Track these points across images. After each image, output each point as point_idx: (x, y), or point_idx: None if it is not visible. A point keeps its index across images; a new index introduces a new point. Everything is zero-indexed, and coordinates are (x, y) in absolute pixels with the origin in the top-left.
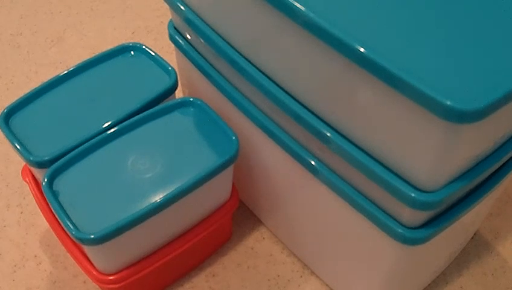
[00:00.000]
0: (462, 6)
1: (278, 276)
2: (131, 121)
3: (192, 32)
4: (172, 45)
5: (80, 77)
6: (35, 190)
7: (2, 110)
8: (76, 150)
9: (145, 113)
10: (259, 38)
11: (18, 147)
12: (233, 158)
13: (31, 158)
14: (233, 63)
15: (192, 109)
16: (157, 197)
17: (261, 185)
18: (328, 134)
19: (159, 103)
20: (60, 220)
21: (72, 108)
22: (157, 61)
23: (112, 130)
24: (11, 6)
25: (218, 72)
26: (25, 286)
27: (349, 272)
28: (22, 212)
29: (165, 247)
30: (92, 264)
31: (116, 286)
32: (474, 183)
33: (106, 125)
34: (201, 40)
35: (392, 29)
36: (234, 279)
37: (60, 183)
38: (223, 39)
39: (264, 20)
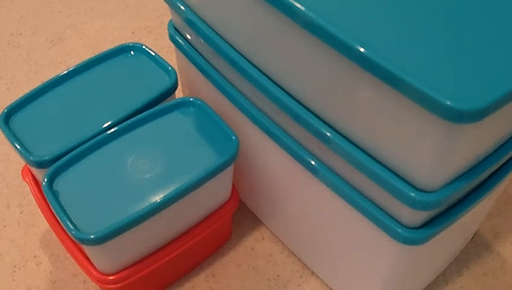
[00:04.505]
0: (462, 7)
1: (278, 276)
2: (131, 121)
3: (192, 32)
4: (172, 45)
5: (79, 77)
6: (35, 190)
7: (2, 110)
8: (76, 150)
9: (145, 113)
10: (259, 38)
11: (18, 147)
12: (233, 158)
13: (31, 158)
14: (233, 63)
15: (192, 109)
16: (157, 197)
17: (261, 185)
18: (328, 134)
19: (159, 103)
20: (60, 220)
21: (72, 108)
22: (157, 61)
23: (112, 130)
24: (11, 6)
25: (218, 72)
26: (25, 286)
27: (349, 272)
28: (22, 212)
29: (165, 247)
30: (92, 264)
31: (116, 286)
32: (474, 183)
33: (106, 125)
34: (201, 40)
35: (392, 29)
36: (234, 279)
37: (60, 183)
38: (223, 39)
39: (264, 20)
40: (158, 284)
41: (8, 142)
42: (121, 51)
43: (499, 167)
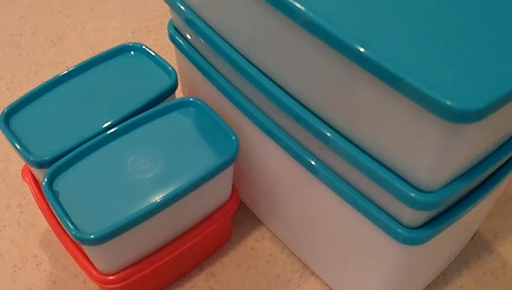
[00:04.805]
0: (462, 7)
1: (278, 276)
2: (131, 121)
3: (192, 32)
4: (172, 45)
5: (80, 77)
6: (35, 190)
7: (2, 110)
8: (76, 150)
9: (145, 113)
10: (259, 38)
11: (18, 147)
12: (233, 158)
13: (31, 158)
14: (233, 63)
15: (192, 109)
16: (157, 197)
17: (261, 185)
18: (328, 134)
19: (159, 103)
20: (60, 220)
21: (72, 108)
22: (157, 61)
23: (112, 130)
24: (11, 6)
25: (218, 72)
26: (25, 286)
27: (349, 272)
28: (22, 212)
29: (165, 247)
30: (92, 264)
31: (116, 286)
32: (474, 183)
33: (106, 125)
34: (201, 40)
35: (392, 29)
36: (234, 279)
37: (60, 183)
38: (223, 39)
39: (264, 20)
40: (158, 284)
41: (8, 142)
42: (121, 51)
43: (499, 167)
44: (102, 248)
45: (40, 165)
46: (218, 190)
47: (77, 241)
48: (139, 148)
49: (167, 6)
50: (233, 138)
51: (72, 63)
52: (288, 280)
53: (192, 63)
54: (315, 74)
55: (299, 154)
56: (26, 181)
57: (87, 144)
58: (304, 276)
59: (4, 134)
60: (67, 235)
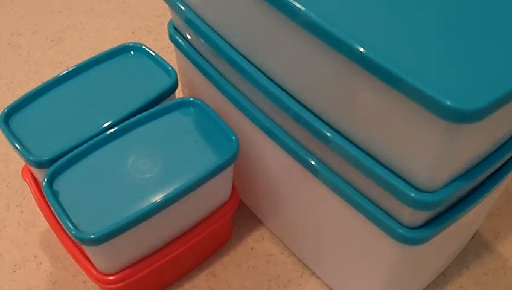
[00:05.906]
0: (462, 6)
1: (278, 276)
2: (131, 121)
3: (192, 32)
4: (172, 45)
5: (80, 77)
6: (35, 190)
7: (2, 110)
8: (76, 150)
9: (145, 113)
10: (259, 38)
11: (18, 147)
12: (233, 158)
13: (31, 158)
14: (233, 63)
15: (192, 109)
16: (157, 197)
17: (261, 185)
18: (328, 134)
19: (159, 103)
20: (60, 220)
21: (72, 108)
22: (157, 61)
23: (112, 130)
24: (11, 6)
25: (218, 72)
26: (25, 286)
27: (349, 272)
28: (22, 212)
29: (165, 247)
30: (92, 264)
31: (116, 286)
32: (474, 183)
33: (106, 125)
34: (201, 40)
35: (392, 29)
36: (234, 279)
37: (60, 183)
38: (223, 39)
39: (264, 20)
40: (158, 284)
41: (8, 142)
42: (121, 51)
43: (499, 167)
44: (102, 248)
45: (40, 165)
46: (218, 190)
47: (77, 241)
48: (139, 148)
49: (167, 6)
50: (233, 138)
51: (72, 63)
52: (288, 280)
53: (192, 63)
54: (315, 74)
55: (299, 154)
56: (26, 181)
57: (87, 144)
58: (304, 276)
59: (4, 134)
60: (67, 235)
